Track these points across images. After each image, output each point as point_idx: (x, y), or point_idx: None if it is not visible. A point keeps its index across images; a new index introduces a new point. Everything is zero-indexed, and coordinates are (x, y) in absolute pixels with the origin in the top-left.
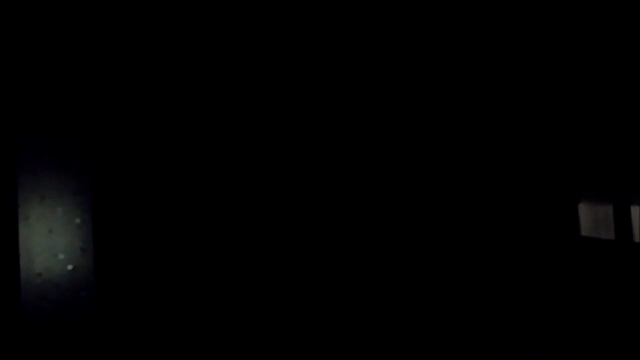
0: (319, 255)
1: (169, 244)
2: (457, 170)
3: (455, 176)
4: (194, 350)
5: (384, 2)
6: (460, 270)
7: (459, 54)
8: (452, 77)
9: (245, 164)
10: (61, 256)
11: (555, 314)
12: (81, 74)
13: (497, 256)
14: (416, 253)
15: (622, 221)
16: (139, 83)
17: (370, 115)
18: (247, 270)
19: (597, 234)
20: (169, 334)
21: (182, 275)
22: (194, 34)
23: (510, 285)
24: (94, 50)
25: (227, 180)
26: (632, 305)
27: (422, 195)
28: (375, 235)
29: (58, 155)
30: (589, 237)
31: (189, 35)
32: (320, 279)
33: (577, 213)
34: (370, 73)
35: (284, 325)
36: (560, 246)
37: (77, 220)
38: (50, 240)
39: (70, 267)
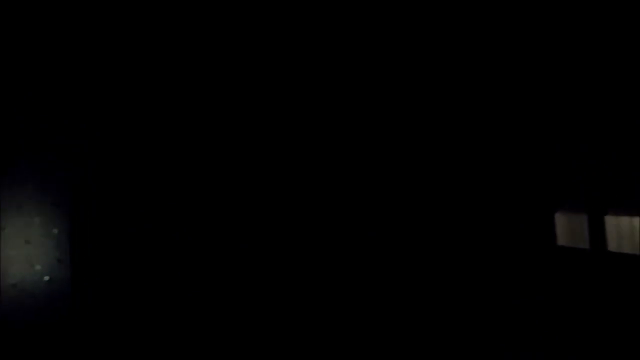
0: (319, 255)
1: (169, 244)
2: (444, 177)
3: (442, 182)
4: (194, 352)
5: (384, 2)
6: (449, 271)
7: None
8: (447, 87)
9: (245, 164)
10: (38, 267)
11: (543, 317)
12: (81, 75)
13: (485, 259)
14: (412, 254)
15: (597, 231)
16: (139, 83)
17: (370, 117)
18: (247, 270)
19: (574, 243)
20: (167, 336)
21: (181, 275)
22: (193, 35)
23: (498, 286)
24: (94, 50)
25: (226, 181)
26: (605, 313)
27: (415, 199)
28: (375, 235)
29: (38, 163)
30: (564, 246)
31: (188, 36)
32: (320, 279)
33: (554, 222)
34: (371, 75)
35: (284, 325)
36: (536, 255)
37: (55, 231)
38: (27, 251)
39: (46, 278)
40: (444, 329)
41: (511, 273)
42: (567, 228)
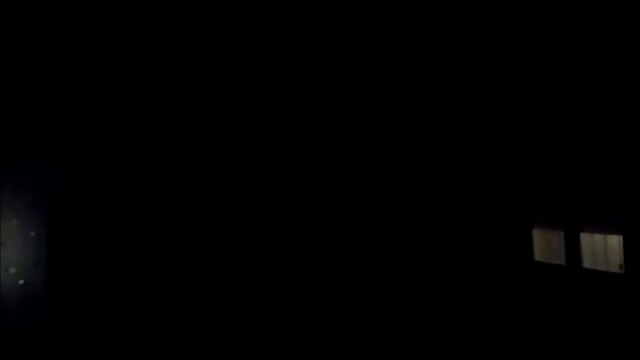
0: (319, 255)
1: (169, 244)
2: (430, 195)
3: (426, 201)
4: (194, 351)
5: (383, 3)
6: (436, 274)
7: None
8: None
9: (245, 165)
10: (13, 270)
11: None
12: (81, 75)
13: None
14: (406, 255)
15: (572, 247)
16: (139, 84)
17: (369, 120)
18: (247, 270)
19: (549, 259)
20: (167, 336)
21: (181, 275)
22: (193, 37)
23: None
24: (94, 51)
25: (227, 181)
26: (580, 326)
27: (409, 203)
28: (375, 235)
29: (16, 165)
30: (541, 262)
31: (188, 38)
32: (320, 279)
33: (531, 238)
34: (371, 78)
35: (284, 324)
36: (514, 270)
37: (32, 234)
38: (3, 253)
39: (21, 281)
40: (433, 327)
41: (490, 283)
42: (545, 244)
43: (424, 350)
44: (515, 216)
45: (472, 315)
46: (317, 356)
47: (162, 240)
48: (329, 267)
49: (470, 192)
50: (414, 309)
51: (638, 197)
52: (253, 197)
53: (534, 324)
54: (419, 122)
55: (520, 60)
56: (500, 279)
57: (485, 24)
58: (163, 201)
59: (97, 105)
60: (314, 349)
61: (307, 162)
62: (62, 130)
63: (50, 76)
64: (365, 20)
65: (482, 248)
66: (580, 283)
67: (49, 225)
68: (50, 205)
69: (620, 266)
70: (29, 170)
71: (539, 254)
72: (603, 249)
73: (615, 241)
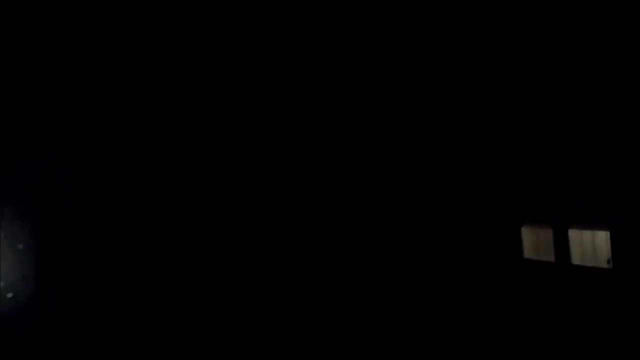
0: (319, 255)
1: (169, 244)
2: (420, 195)
3: (416, 200)
4: (193, 351)
5: (383, 3)
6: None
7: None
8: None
9: (245, 165)
10: (1, 283)
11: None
12: (81, 75)
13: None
14: (403, 255)
15: (561, 244)
16: (139, 84)
17: (369, 121)
18: (247, 270)
19: (539, 256)
20: (168, 335)
21: (181, 275)
22: (193, 37)
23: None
24: (94, 51)
25: (227, 181)
26: (569, 322)
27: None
28: (375, 235)
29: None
30: (531, 259)
31: (188, 38)
32: (320, 278)
33: (520, 236)
34: (371, 79)
35: (284, 324)
36: (504, 267)
37: (20, 246)
38: None
39: (10, 295)
40: (423, 325)
41: (480, 281)
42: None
43: (413, 348)
44: (504, 214)
45: (462, 313)
46: (318, 354)
47: (162, 240)
48: (330, 266)
49: (458, 192)
50: (404, 307)
51: (624, 193)
52: (253, 197)
53: (523, 321)
54: (409, 126)
55: (504, 65)
56: (490, 277)
57: (482, 22)
58: (163, 201)
59: (97, 105)
60: (315, 347)
61: (306, 162)
62: (62, 130)
63: (50, 76)
64: (365, 21)
65: (471, 246)
66: (569, 279)
67: (37, 236)
68: (39, 215)
69: (608, 261)
70: (21, 175)
71: (528, 251)
72: (591, 245)
73: (602, 237)
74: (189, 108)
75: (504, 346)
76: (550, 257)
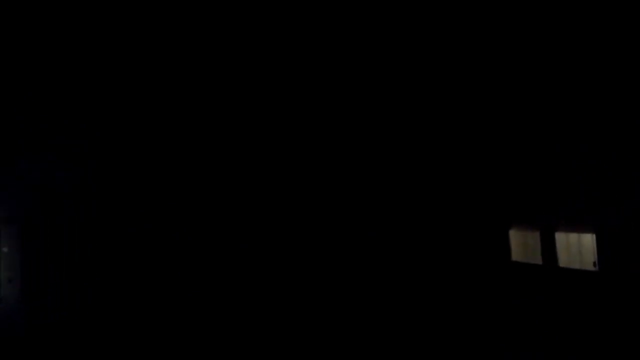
0: (319, 255)
1: (169, 244)
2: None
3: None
4: (193, 351)
5: (383, 4)
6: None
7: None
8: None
9: (245, 165)
10: None
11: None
12: (81, 75)
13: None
14: (401, 255)
15: (548, 247)
16: (139, 84)
17: (369, 121)
18: (247, 270)
19: (526, 259)
20: (167, 335)
21: (182, 275)
22: (193, 37)
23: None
24: (94, 51)
25: (227, 181)
26: (556, 323)
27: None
28: (375, 235)
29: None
30: (518, 261)
31: (188, 39)
32: (320, 278)
33: (508, 239)
34: (371, 80)
35: (284, 323)
36: (492, 270)
37: (5, 250)
38: None
39: None
40: (413, 325)
41: (469, 283)
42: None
43: (404, 347)
44: (492, 218)
45: (451, 315)
46: (318, 354)
47: (162, 240)
48: (330, 266)
49: (447, 195)
50: (401, 306)
51: (610, 197)
52: (253, 198)
53: (510, 322)
54: (403, 130)
55: (492, 69)
56: (479, 279)
57: (481, 22)
58: (163, 201)
59: (96, 105)
60: (313, 347)
61: (306, 163)
62: (62, 130)
63: (50, 76)
64: (364, 22)
65: (460, 249)
66: (556, 281)
67: (23, 240)
68: (23, 220)
69: (594, 264)
70: (21, 175)
71: (515, 254)
72: (577, 248)
73: (589, 240)
74: (189, 109)
75: (491, 346)
76: (537, 259)
